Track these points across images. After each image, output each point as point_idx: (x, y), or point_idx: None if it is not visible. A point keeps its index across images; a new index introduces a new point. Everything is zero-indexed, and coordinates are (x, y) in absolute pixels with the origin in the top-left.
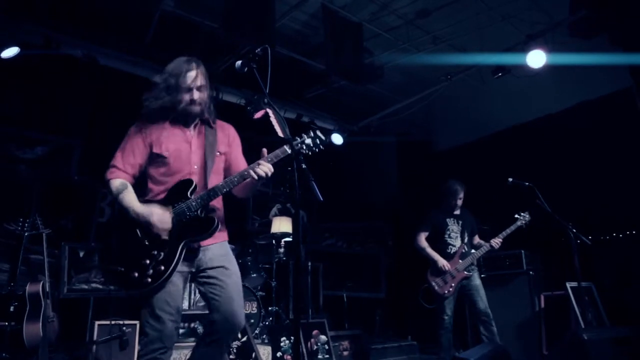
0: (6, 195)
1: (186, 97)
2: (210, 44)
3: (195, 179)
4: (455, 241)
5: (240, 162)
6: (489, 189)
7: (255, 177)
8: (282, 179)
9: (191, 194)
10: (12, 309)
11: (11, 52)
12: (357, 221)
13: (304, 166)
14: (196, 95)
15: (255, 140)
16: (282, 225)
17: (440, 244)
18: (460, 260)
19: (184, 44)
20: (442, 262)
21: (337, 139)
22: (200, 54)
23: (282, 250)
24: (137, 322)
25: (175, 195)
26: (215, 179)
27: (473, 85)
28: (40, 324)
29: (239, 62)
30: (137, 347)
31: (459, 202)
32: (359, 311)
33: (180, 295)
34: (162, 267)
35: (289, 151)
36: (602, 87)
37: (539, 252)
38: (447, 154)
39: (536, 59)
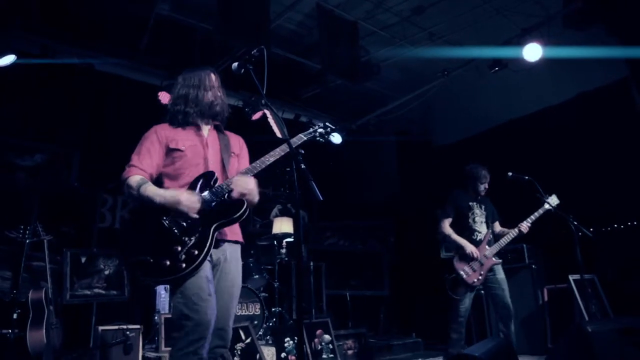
0: (6, 203)
1: (209, 95)
2: (206, 47)
3: (216, 172)
4: (481, 227)
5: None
6: (489, 184)
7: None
8: (282, 180)
9: (214, 183)
10: (15, 316)
11: (7, 60)
12: (358, 219)
13: (303, 166)
14: (218, 95)
15: (254, 141)
16: (283, 225)
17: (465, 230)
18: (487, 247)
19: (180, 48)
20: (470, 248)
21: (335, 138)
22: (196, 57)
23: (283, 250)
24: (140, 326)
25: (199, 187)
26: (233, 171)
27: (470, 81)
28: (44, 330)
29: (235, 64)
30: (141, 351)
31: (483, 188)
32: (362, 310)
33: (212, 283)
34: (196, 251)
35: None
36: (599, 79)
37: (541, 245)
38: (446, 149)
39: (532, 52)
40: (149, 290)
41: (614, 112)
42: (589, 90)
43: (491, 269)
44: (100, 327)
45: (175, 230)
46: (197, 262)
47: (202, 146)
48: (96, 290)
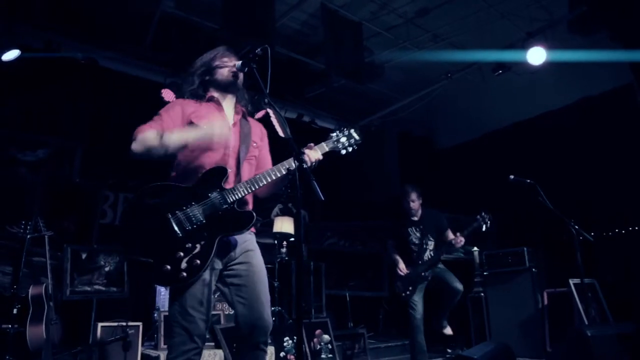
0: (8, 198)
1: (225, 70)
2: (211, 45)
3: (230, 163)
4: (417, 247)
5: (267, 161)
6: (491, 187)
7: (308, 163)
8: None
9: (224, 182)
10: (15, 311)
11: (12, 55)
12: (359, 220)
13: (304, 166)
14: (235, 67)
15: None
16: (283, 225)
17: (406, 250)
18: (419, 263)
19: (184, 45)
20: (400, 266)
21: None
22: (200, 55)
23: (284, 250)
24: (140, 323)
25: (209, 184)
26: (247, 169)
27: (473, 83)
28: (44, 326)
29: (239, 63)
30: (140, 349)
31: (413, 205)
32: (362, 310)
33: (211, 293)
34: (198, 261)
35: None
36: (603, 83)
37: (541, 249)
38: (448, 151)
39: (536, 56)
40: (149, 288)
41: (618, 117)
42: (592, 95)
43: (425, 279)
44: (100, 324)
45: (179, 233)
46: (199, 274)
47: (224, 126)
48: (96, 287)
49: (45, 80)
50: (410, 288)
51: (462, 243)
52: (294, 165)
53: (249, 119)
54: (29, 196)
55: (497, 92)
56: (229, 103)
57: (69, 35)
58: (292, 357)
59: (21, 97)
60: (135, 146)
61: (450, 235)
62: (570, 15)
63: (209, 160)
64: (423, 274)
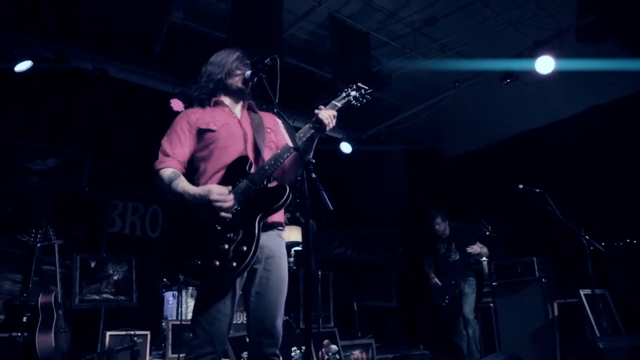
0: (18, 207)
1: (240, 77)
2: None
3: (249, 154)
4: (443, 259)
5: (286, 142)
6: (499, 196)
7: (321, 124)
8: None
9: (249, 169)
10: (24, 319)
11: (24, 66)
12: (367, 229)
13: (313, 175)
14: (240, 73)
15: None
16: (291, 234)
17: (437, 265)
18: (447, 274)
19: (193, 55)
20: (433, 280)
21: (345, 147)
22: None
23: (291, 259)
24: (148, 332)
25: (234, 174)
26: (269, 154)
27: (481, 93)
28: (53, 334)
29: (248, 72)
30: (148, 357)
31: (439, 228)
32: (370, 320)
33: (236, 297)
34: (245, 247)
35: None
36: (612, 92)
37: (551, 259)
38: (456, 161)
39: (545, 64)
40: (157, 297)
41: (627, 125)
42: (601, 104)
43: (456, 285)
44: (108, 332)
45: (219, 227)
46: (248, 259)
47: (235, 124)
48: (105, 296)
49: (55, 90)
50: (447, 297)
51: (478, 250)
52: (308, 129)
53: (259, 112)
54: (39, 205)
55: (505, 101)
56: (236, 106)
57: (79, 47)
58: None
59: (32, 107)
60: (157, 181)
61: (475, 247)
62: (578, 24)
63: (230, 157)
64: (453, 282)
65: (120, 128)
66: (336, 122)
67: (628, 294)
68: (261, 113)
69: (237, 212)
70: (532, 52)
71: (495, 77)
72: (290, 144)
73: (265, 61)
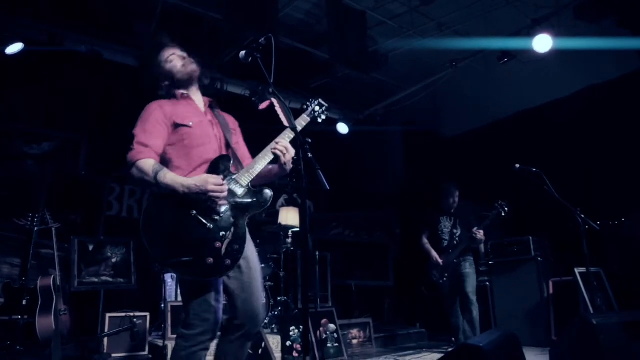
0: (15, 191)
1: (177, 65)
2: (214, 36)
3: (224, 151)
4: (447, 236)
5: (245, 150)
6: (496, 175)
7: (282, 155)
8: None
9: (230, 168)
10: (24, 302)
11: (15, 48)
12: (365, 210)
13: (309, 155)
14: (177, 65)
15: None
16: (289, 215)
17: (435, 239)
18: (450, 251)
19: (187, 36)
20: (433, 255)
21: (342, 128)
22: (204, 45)
23: (289, 240)
24: (147, 313)
25: (217, 172)
26: (238, 154)
27: (478, 72)
28: (53, 317)
29: (242, 53)
30: (148, 339)
31: (453, 203)
32: (367, 300)
33: (222, 282)
34: (237, 246)
35: (293, 134)
36: (610, 71)
37: (547, 238)
38: (453, 140)
39: (542, 43)
40: (156, 278)
41: (625, 104)
42: (599, 83)
43: (458, 266)
44: (108, 314)
45: (211, 225)
46: (239, 257)
47: (205, 121)
48: (103, 278)
49: (49, 73)
50: (446, 275)
51: (481, 236)
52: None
53: (219, 111)
54: (36, 189)
55: (502, 80)
56: (196, 95)
57: (72, 29)
58: (298, 346)
59: (26, 91)
60: (134, 172)
61: (475, 230)
62: (576, 2)
63: (206, 155)
64: (455, 260)
65: (116, 111)
66: (333, 103)
67: (622, 272)
68: (222, 113)
69: (227, 211)
70: (530, 31)
71: (493, 57)
72: (287, 124)
73: (260, 40)
